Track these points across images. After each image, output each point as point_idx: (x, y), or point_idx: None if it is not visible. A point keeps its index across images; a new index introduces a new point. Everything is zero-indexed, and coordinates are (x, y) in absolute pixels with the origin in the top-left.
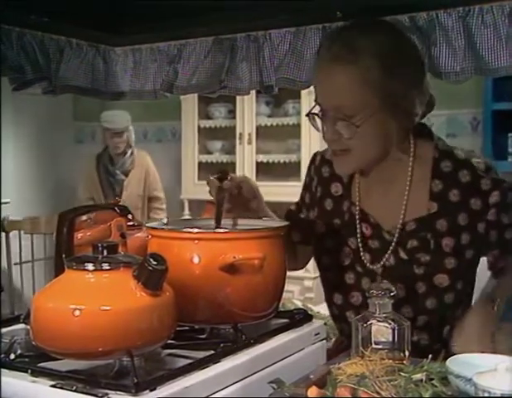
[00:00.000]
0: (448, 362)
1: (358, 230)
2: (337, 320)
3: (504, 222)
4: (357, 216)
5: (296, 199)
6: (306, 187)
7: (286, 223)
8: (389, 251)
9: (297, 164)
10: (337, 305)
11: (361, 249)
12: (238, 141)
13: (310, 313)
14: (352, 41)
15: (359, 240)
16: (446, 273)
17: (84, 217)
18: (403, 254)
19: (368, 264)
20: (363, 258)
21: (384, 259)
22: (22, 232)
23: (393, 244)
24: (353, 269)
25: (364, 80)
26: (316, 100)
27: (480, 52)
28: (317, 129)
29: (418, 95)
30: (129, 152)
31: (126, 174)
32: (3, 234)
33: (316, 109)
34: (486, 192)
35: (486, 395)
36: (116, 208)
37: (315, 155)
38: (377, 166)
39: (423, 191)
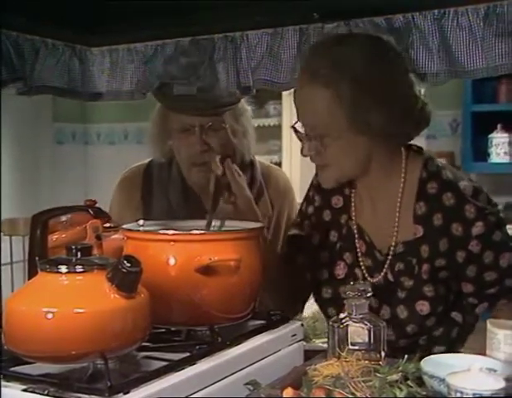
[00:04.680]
0: (423, 363)
1: (356, 246)
2: None
3: (486, 261)
4: (355, 231)
5: None
6: (311, 200)
7: (261, 225)
8: (382, 271)
9: (278, 165)
10: (332, 318)
11: (361, 264)
12: None
13: None
14: (328, 62)
15: (358, 255)
16: (426, 300)
17: (59, 219)
18: (390, 276)
19: (360, 281)
20: (357, 274)
21: (375, 278)
22: (2, 234)
23: (386, 264)
24: (347, 284)
25: (334, 104)
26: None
27: (455, 54)
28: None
29: (400, 117)
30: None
31: None
32: None
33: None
34: (470, 221)
35: (459, 395)
36: (90, 210)
37: None
38: (369, 183)
39: (408, 213)
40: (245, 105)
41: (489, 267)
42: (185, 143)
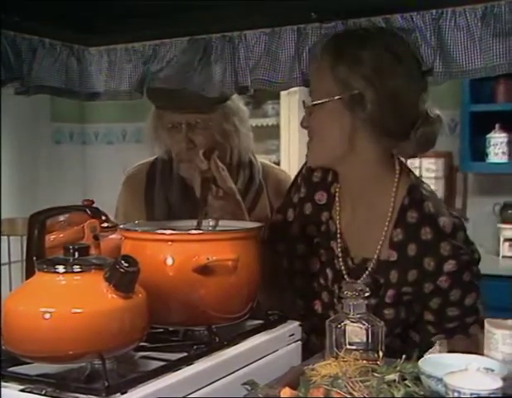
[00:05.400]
0: (420, 362)
1: (331, 246)
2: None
3: (451, 298)
4: (332, 231)
5: None
6: (298, 188)
7: (260, 224)
8: (347, 279)
9: (276, 165)
10: (301, 308)
11: (335, 263)
12: None
13: None
14: (337, 46)
15: (331, 256)
16: (384, 321)
17: (56, 219)
18: None
19: (329, 282)
20: (328, 274)
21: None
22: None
23: (354, 274)
24: (317, 280)
25: (329, 71)
26: None
27: (453, 55)
28: None
29: (392, 107)
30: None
31: None
32: None
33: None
34: (443, 258)
35: (456, 395)
36: (88, 210)
37: None
38: (351, 183)
39: (386, 234)
40: (241, 105)
41: (453, 303)
42: (173, 140)
